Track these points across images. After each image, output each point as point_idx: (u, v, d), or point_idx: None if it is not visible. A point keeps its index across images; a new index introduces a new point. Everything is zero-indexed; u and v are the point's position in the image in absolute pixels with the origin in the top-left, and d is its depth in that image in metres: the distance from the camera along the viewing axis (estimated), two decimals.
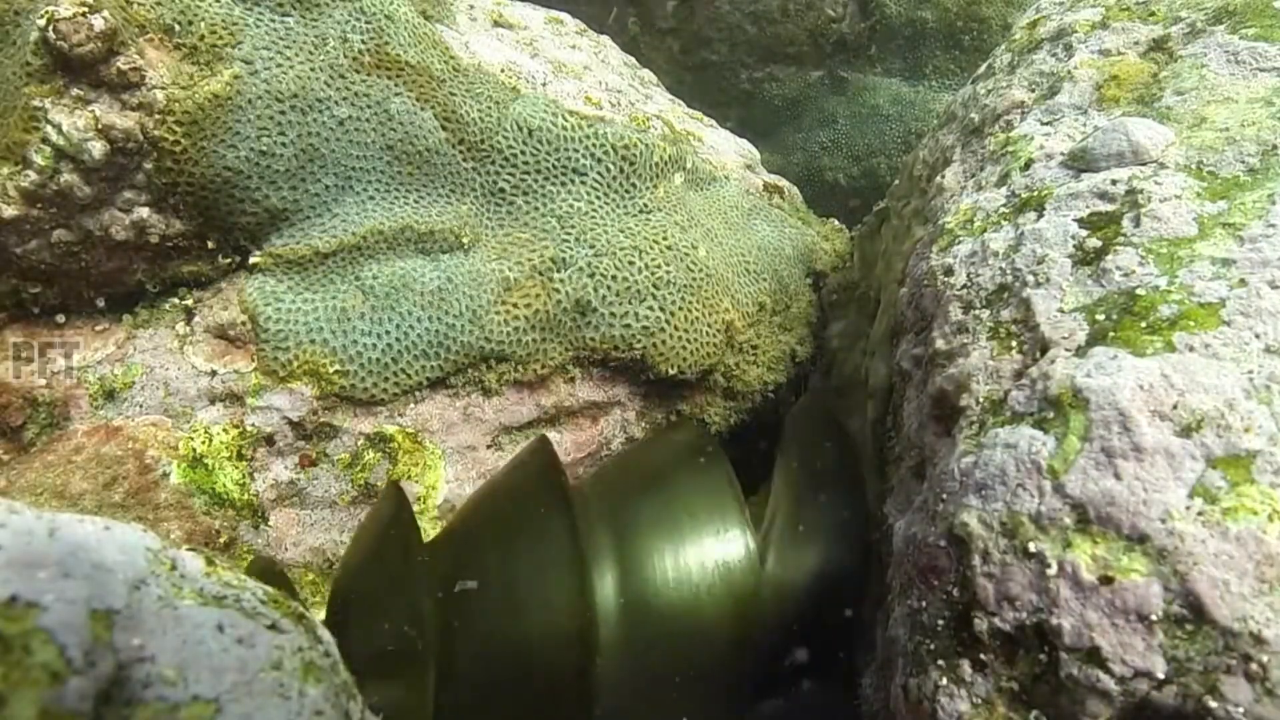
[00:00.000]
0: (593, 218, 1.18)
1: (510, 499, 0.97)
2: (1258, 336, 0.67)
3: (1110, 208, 0.83)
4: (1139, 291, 0.74)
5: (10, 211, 0.96)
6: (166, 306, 1.07)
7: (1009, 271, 0.84)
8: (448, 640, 0.88)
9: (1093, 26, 1.07)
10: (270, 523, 1.01)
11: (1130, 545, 0.62)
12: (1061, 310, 0.78)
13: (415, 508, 1.07)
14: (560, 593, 0.88)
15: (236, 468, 1.01)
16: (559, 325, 1.12)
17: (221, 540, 0.98)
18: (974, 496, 0.71)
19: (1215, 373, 0.66)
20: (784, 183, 1.55)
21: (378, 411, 1.05)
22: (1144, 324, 0.72)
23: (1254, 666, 0.57)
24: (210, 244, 1.06)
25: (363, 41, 1.12)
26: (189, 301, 1.07)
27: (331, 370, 1.03)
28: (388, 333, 1.05)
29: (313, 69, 1.07)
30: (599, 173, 1.21)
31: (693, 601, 0.93)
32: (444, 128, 1.14)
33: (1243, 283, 0.71)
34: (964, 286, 0.88)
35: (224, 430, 1.01)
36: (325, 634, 0.73)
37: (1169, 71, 0.95)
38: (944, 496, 0.75)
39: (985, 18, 1.92)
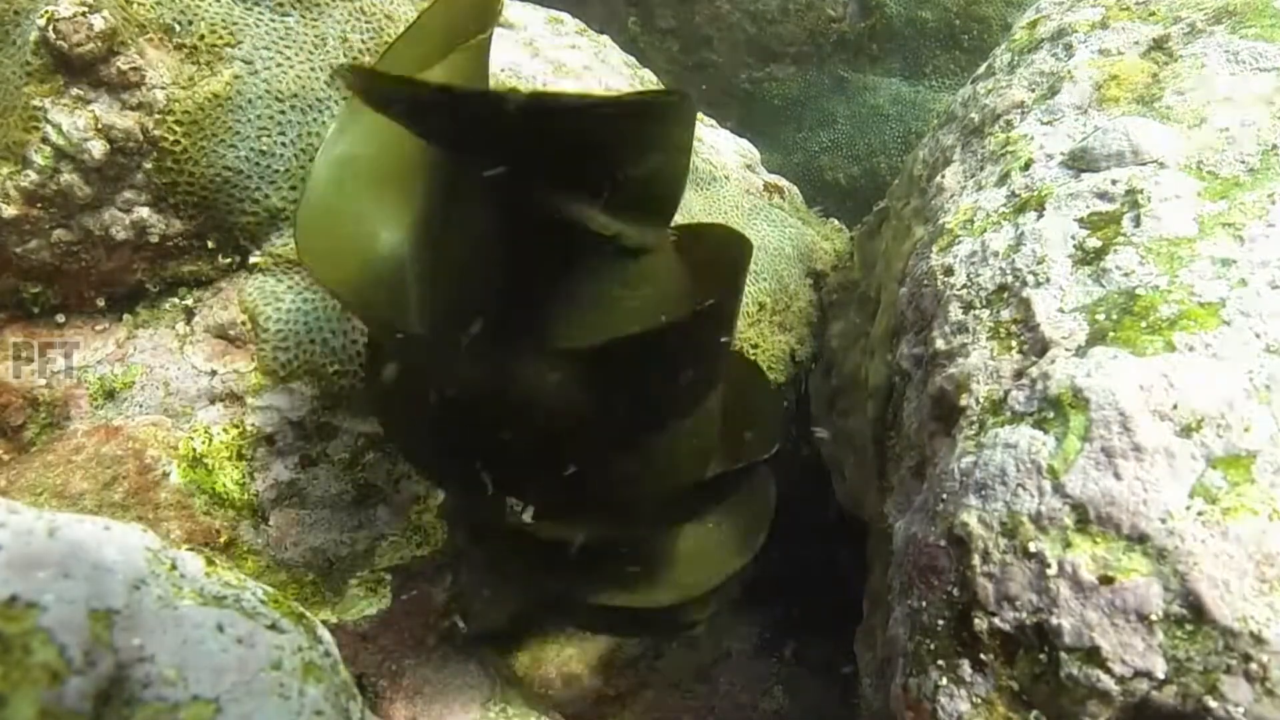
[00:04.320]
0: None
1: None
2: (1258, 336, 0.67)
3: (1110, 208, 0.83)
4: (1139, 291, 0.74)
5: (10, 211, 0.96)
6: (166, 306, 1.07)
7: (1009, 271, 0.84)
8: None
9: (1093, 26, 1.07)
10: (270, 523, 1.01)
11: (1130, 545, 0.62)
12: (1061, 310, 0.78)
13: (415, 508, 1.07)
14: None
15: (236, 468, 1.01)
16: None
17: (221, 540, 0.98)
18: (974, 496, 0.71)
19: (1215, 372, 0.66)
20: (784, 183, 1.56)
21: None
22: (1144, 324, 0.72)
23: (1254, 666, 0.57)
24: (210, 244, 1.06)
25: (363, 41, 1.12)
26: (189, 301, 1.07)
27: (331, 370, 1.03)
28: None
29: (313, 69, 1.07)
30: None
31: None
32: None
33: (1243, 282, 0.71)
34: (964, 286, 0.88)
35: (224, 430, 1.01)
36: (325, 634, 0.73)
37: (1169, 71, 0.95)
38: (944, 496, 0.75)
39: (985, 18, 1.92)
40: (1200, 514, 0.61)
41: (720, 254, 0.90)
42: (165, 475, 0.98)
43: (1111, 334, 0.72)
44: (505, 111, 0.70)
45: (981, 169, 1.02)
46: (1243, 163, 0.82)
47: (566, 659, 1.23)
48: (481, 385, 0.84)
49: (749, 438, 1.01)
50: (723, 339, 0.88)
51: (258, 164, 1.03)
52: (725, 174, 1.42)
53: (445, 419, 0.89)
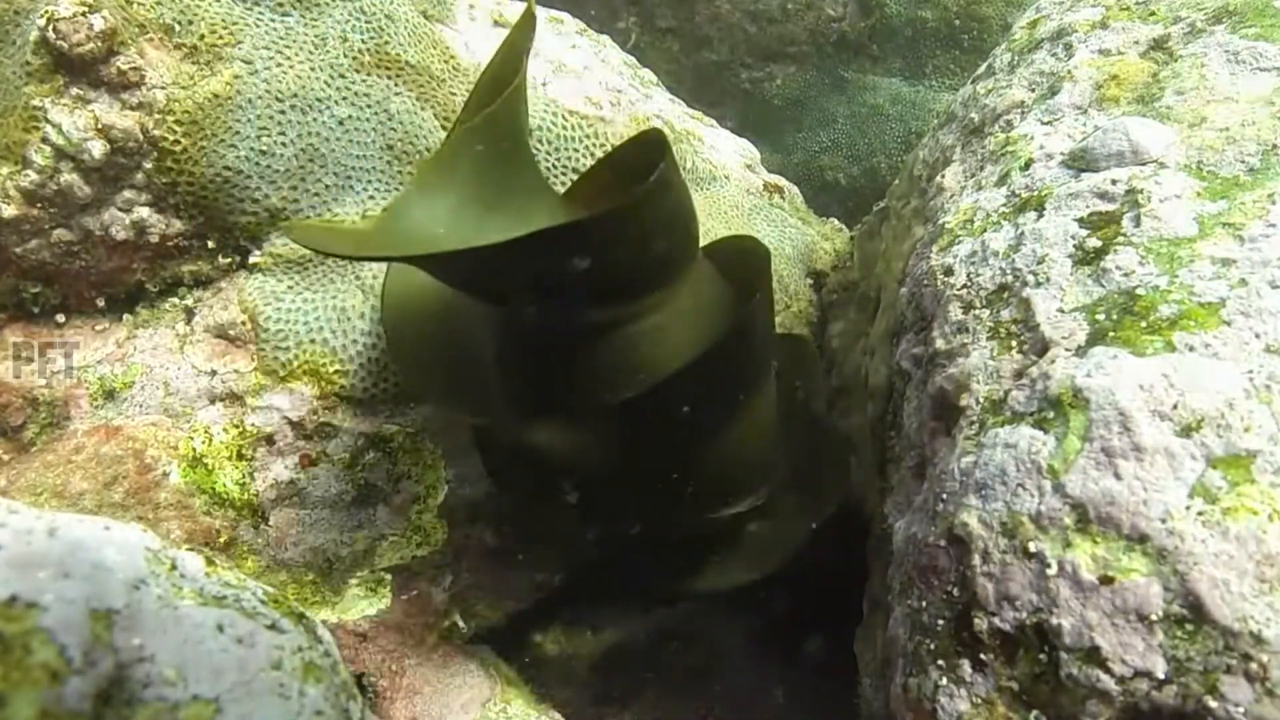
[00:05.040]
0: None
1: None
2: (1258, 336, 0.67)
3: (1110, 207, 0.83)
4: (1139, 291, 0.74)
5: (10, 211, 0.96)
6: (166, 306, 1.07)
7: (1009, 271, 0.84)
8: None
9: (1093, 26, 1.07)
10: (270, 523, 1.01)
11: (1130, 545, 0.62)
12: (1061, 310, 0.78)
13: (415, 508, 1.07)
14: None
15: (237, 467, 1.01)
16: None
17: (221, 540, 0.98)
18: (974, 496, 0.71)
19: (1215, 373, 0.66)
20: (784, 182, 1.55)
21: (378, 411, 1.05)
22: (1144, 324, 0.72)
23: (1254, 666, 0.57)
24: (210, 244, 1.06)
25: (363, 41, 1.12)
26: (189, 301, 1.07)
27: (331, 370, 1.03)
28: None
29: (313, 69, 1.07)
30: None
31: None
32: (444, 127, 1.14)
33: (1243, 282, 0.71)
34: (964, 286, 0.88)
35: (224, 430, 1.01)
36: (325, 634, 0.73)
37: (1169, 71, 0.95)
38: (944, 496, 0.75)
39: (985, 17, 1.92)
40: (1200, 514, 0.61)
41: (741, 266, 0.94)
42: (165, 475, 0.98)
43: (1111, 334, 0.72)
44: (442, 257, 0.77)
45: (981, 169, 1.02)
46: (1243, 163, 0.82)
47: (566, 659, 1.23)
48: (555, 443, 0.97)
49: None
50: (756, 354, 0.93)
51: (258, 164, 1.03)
52: (725, 174, 1.42)
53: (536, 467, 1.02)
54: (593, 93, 1.31)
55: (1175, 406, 0.65)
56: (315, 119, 1.06)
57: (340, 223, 1.05)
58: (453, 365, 0.97)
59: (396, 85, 1.12)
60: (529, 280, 0.82)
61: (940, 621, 0.71)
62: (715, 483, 0.99)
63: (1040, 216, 0.87)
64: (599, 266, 0.78)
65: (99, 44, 0.96)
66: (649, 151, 0.85)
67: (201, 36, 1.03)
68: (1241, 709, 0.57)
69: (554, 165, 1.19)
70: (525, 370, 0.91)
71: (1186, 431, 0.64)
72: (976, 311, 0.85)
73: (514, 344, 0.91)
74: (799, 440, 1.09)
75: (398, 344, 1.00)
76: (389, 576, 1.06)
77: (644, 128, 1.30)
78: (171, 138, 1.00)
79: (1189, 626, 0.59)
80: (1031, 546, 0.66)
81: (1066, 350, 0.74)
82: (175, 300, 1.07)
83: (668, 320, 0.88)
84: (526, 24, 0.91)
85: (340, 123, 1.07)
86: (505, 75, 0.89)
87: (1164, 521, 0.62)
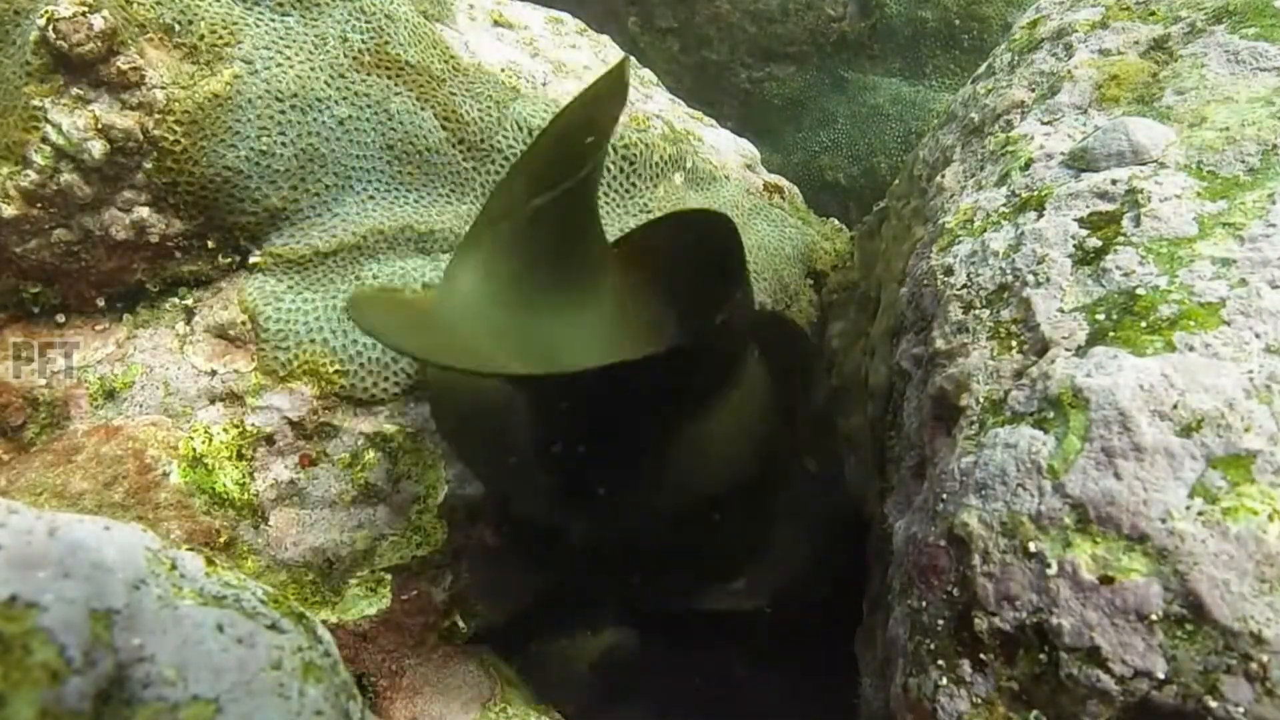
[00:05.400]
0: None
1: None
2: (1258, 336, 0.67)
3: (1110, 207, 0.83)
4: (1139, 291, 0.74)
5: (10, 211, 0.96)
6: (166, 306, 1.07)
7: (1009, 271, 0.84)
8: None
9: (1093, 26, 1.07)
10: (270, 523, 1.01)
11: (1130, 545, 0.62)
12: (1061, 310, 0.78)
13: (415, 508, 1.07)
14: None
15: (237, 467, 1.01)
16: None
17: (221, 540, 0.98)
18: (974, 496, 0.71)
19: (1215, 372, 0.66)
20: (784, 182, 1.55)
21: (378, 411, 1.05)
22: (1144, 324, 0.72)
23: (1254, 666, 0.57)
24: (210, 244, 1.06)
25: (363, 41, 1.12)
26: (189, 301, 1.07)
27: (331, 370, 1.03)
28: None
29: (313, 69, 1.07)
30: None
31: None
32: (444, 127, 1.14)
33: (1243, 282, 0.71)
34: (964, 286, 0.88)
35: (224, 430, 1.01)
36: (325, 634, 0.73)
37: (1169, 71, 0.95)
38: (944, 496, 0.75)
39: (985, 17, 1.92)
40: (1200, 514, 0.61)
41: (785, 353, 0.95)
42: (165, 475, 0.98)
43: (1111, 334, 0.72)
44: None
45: (981, 169, 1.02)
46: (1243, 162, 0.81)
47: (566, 659, 1.23)
48: (582, 529, 1.01)
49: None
50: (795, 455, 0.94)
51: (258, 164, 1.03)
52: (725, 174, 1.42)
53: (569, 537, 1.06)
54: None
55: (1175, 406, 0.65)
56: (315, 119, 1.06)
57: (400, 293, 1.02)
58: (490, 442, 0.97)
59: (396, 85, 1.12)
60: (589, 396, 0.82)
61: (940, 622, 0.71)
62: (734, 564, 1.00)
63: (1040, 216, 0.87)
64: (663, 385, 0.78)
65: (99, 44, 0.96)
66: (717, 241, 0.82)
67: (201, 36, 1.03)
68: (1241, 709, 0.57)
69: None
70: (566, 466, 0.92)
71: (1186, 431, 0.64)
72: (976, 311, 0.85)
73: (558, 440, 0.92)
74: (816, 519, 1.11)
75: (440, 409, 1.01)
76: (389, 576, 1.06)
77: (643, 122, 1.30)
78: (171, 138, 1.00)
79: (1189, 626, 0.59)
80: (1031, 546, 0.66)
81: (1066, 350, 0.74)
82: (175, 300, 1.07)
83: (719, 429, 0.88)
84: (618, 88, 0.86)
85: (340, 123, 1.07)
86: (583, 135, 0.85)
87: (1164, 521, 0.62)
